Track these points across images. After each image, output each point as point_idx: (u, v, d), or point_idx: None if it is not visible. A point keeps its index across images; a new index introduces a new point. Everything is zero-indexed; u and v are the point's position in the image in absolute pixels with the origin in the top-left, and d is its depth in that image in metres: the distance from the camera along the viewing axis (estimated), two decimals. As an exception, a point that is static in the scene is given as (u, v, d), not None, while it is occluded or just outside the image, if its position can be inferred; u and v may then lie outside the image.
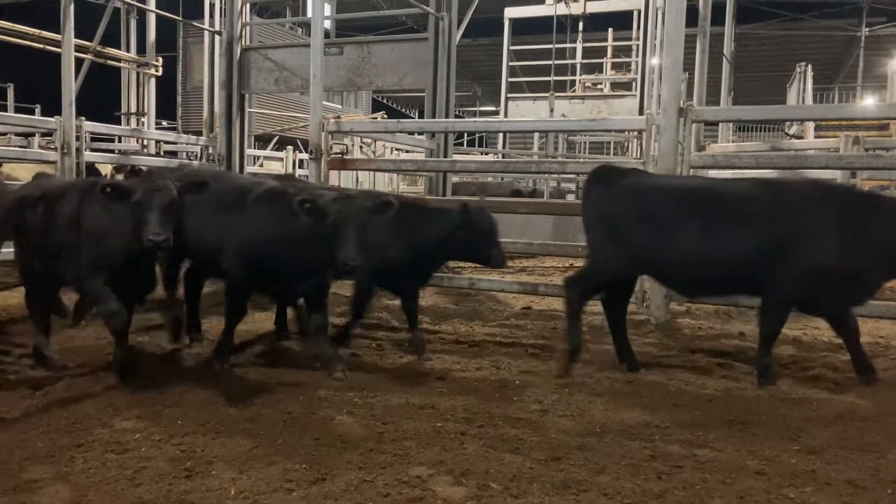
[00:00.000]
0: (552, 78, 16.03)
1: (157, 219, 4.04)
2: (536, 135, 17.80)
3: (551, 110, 15.48)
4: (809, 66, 14.75)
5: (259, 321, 6.12)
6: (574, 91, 16.84)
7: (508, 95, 16.81)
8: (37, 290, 4.97)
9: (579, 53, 17.66)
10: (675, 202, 4.79)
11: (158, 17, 13.19)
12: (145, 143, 13.04)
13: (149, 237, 4.01)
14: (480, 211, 5.24)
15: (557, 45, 16.52)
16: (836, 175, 7.55)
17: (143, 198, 4.08)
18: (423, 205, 5.83)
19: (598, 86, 16.95)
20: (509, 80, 17.07)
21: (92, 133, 8.71)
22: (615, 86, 16.81)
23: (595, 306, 6.91)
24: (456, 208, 5.22)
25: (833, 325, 4.83)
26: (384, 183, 12.74)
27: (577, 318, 5.04)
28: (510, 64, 17.25)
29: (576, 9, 16.69)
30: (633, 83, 15.79)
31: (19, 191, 5.16)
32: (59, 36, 7.96)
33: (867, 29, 23.25)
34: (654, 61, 13.20)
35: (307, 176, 8.43)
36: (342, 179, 10.40)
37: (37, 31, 11.25)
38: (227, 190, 4.95)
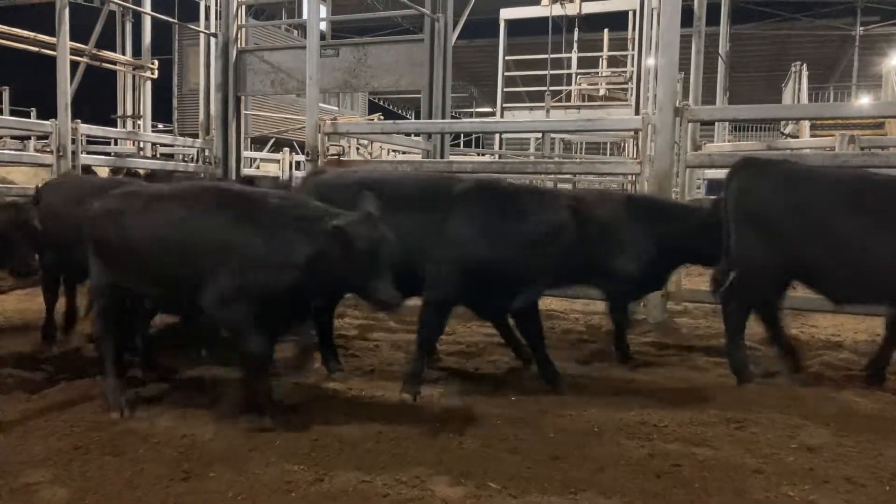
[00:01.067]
0: (548, 88, 16.12)
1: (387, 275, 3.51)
2: (533, 137, 17.82)
3: (547, 111, 15.55)
4: (804, 66, 14.77)
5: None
6: (569, 97, 16.92)
7: (504, 105, 16.86)
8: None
9: (574, 55, 17.70)
10: (851, 195, 4.44)
11: (154, 19, 13.17)
12: (141, 145, 13.04)
13: (383, 299, 3.54)
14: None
15: (553, 51, 16.58)
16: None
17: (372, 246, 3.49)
18: (676, 205, 5.39)
19: (594, 86, 16.99)
20: (506, 84, 17.11)
21: (88, 136, 8.73)
22: (611, 86, 16.86)
23: (592, 304, 6.97)
24: (708, 208, 4.87)
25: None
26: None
27: (740, 335, 4.65)
28: (506, 72, 17.30)
29: (571, 9, 16.73)
30: (629, 84, 15.84)
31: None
32: (55, 39, 7.94)
33: (861, 28, 23.33)
34: (649, 61, 13.24)
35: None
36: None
37: (32, 35, 11.22)
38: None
